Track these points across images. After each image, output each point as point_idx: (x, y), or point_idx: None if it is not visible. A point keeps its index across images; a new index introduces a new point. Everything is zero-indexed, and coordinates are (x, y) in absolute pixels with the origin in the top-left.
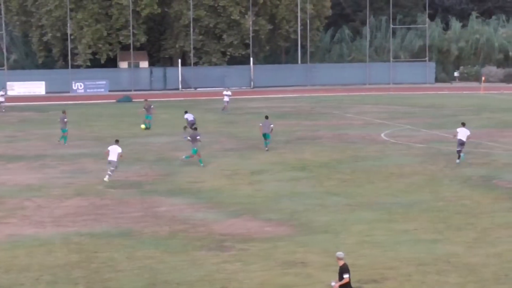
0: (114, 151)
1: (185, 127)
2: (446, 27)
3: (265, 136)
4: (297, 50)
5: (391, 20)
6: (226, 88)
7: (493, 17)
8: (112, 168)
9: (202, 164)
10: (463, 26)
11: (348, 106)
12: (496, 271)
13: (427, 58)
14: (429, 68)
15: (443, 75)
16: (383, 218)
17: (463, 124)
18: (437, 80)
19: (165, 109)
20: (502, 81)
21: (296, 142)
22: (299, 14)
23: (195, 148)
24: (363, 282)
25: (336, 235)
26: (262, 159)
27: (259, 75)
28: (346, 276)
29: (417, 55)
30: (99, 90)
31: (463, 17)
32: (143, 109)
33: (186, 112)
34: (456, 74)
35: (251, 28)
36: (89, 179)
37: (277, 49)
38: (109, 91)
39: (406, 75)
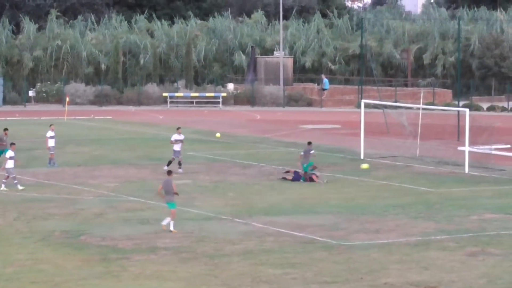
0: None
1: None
2: (17, 29)
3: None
4: None
5: None
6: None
7: (79, 17)
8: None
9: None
10: (40, 28)
11: None
12: None
13: None
14: None
15: (15, 94)
16: None
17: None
18: (6, 101)
19: None
20: (93, 103)
21: None
22: None
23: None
24: None
25: None
26: None
27: None
28: None
29: None
30: None
31: (39, 16)
32: None
33: None
34: (31, 93)
35: None
36: None
37: None
38: None
39: None
